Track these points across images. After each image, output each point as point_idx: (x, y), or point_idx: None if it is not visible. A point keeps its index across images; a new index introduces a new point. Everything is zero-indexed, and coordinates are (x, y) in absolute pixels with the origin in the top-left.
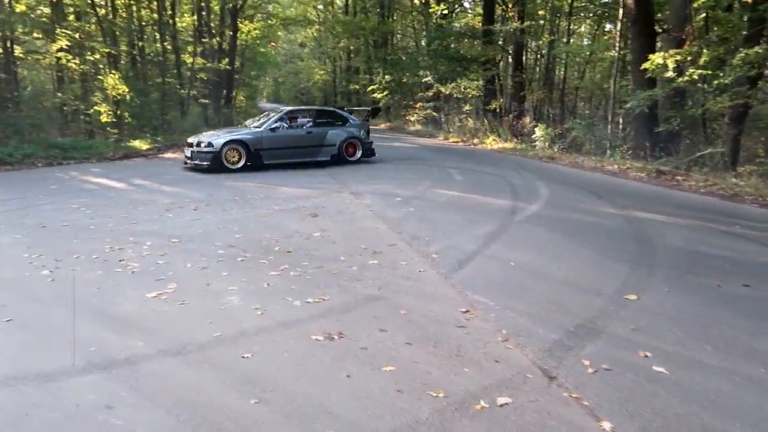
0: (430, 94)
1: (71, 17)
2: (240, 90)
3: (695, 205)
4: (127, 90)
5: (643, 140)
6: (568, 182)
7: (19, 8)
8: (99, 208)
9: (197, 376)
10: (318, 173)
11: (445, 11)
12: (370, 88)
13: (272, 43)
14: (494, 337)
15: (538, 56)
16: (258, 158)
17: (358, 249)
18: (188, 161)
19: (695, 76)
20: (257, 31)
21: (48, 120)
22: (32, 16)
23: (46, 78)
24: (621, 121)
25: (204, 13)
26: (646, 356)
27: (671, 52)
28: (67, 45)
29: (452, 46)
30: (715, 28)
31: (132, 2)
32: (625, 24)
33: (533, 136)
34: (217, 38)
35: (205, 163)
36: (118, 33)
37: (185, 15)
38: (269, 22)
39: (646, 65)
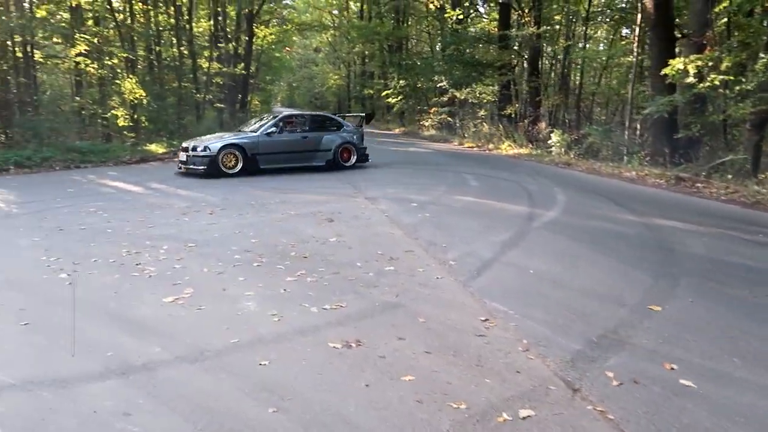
0: (445, 99)
1: (90, 22)
2: (255, 94)
3: (717, 212)
4: (144, 94)
5: (661, 146)
6: (585, 188)
7: (40, 13)
8: (116, 212)
9: (215, 382)
10: (331, 177)
11: (461, 16)
12: (384, 93)
13: (287, 48)
14: (515, 347)
15: (554, 61)
16: (254, 163)
17: (375, 255)
18: (183, 166)
19: (716, 82)
20: (273, 36)
21: (66, 124)
22: (52, 21)
23: (65, 82)
24: (639, 126)
25: (220, 18)
26: (673, 369)
27: (692, 57)
28: (85, 50)
29: (467, 51)
30: (736, 33)
31: (150, 7)
32: (644, 29)
33: (549, 142)
34: (233, 43)
35: (202, 167)
36: (135, 38)
37: (202, 20)
38: (285, 27)
39: (666, 71)
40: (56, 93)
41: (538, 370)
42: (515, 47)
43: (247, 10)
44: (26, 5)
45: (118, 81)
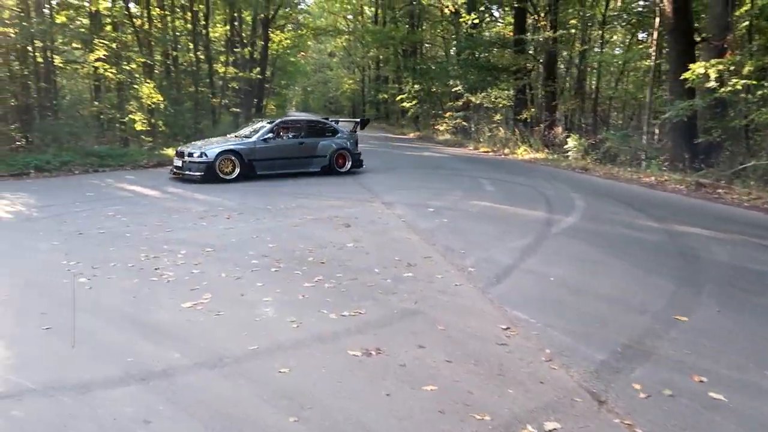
0: (460, 103)
1: (108, 28)
2: (270, 99)
3: (739, 219)
4: (161, 99)
5: (681, 151)
6: (603, 194)
7: (59, 19)
8: (134, 216)
9: (234, 389)
10: (346, 182)
11: (476, 21)
12: (398, 98)
13: (302, 53)
14: (537, 357)
15: (570, 65)
16: (251, 169)
17: (392, 261)
18: (178, 171)
19: (738, 86)
20: (288, 41)
21: (85, 128)
22: (71, 26)
23: (84, 87)
24: (657, 131)
25: (236, 23)
26: (702, 381)
27: (713, 61)
28: (104, 55)
29: (482, 55)
30: (758, 37)
31: (167, 13)
32: (662, 33)
33: (565, 147)
34: (249, 48)
35: (198, 173)
36: (153, 43)
37: (218, 25)
38: (300, 32)
39: (686, 75)
40: (75, 98)
41: (562, 381)
42: (530, 51)
43: (262, 15)
44: (46, 11)
45: (135, 86)
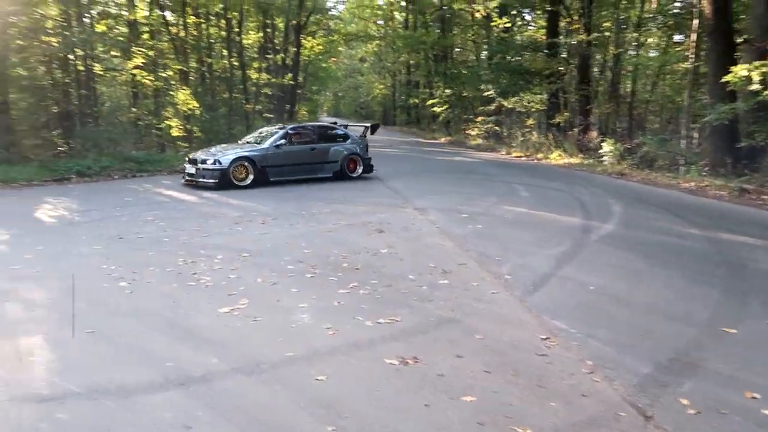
0: (492, 107)
1: (146, 36)
2: (302, 104)
3: None
4: (196, 105)
5: (722, 156)
6: (641, 200)
7: (99, 28)
8: (171, 221)
9: (271, 395)
10: (377, 187)
11: (507, 24)
12: (429, 102)
13: (333, 59)
14: (579, 368)
15: (604, 68)
16: (264, 175)
17: (427, 267)
18: (190, 179)
19: None
20: (319, 47)
21: (123, 134)
22: (111, 35)
23: (122, 94)
24: (696, 135)
25: (269, 30)
26: (754, 398)
27: (756, 63)
28: (142, 62)
29: (514, 59)
30: None
31: (202, 21)
32: (700, 35)
33: (600, 151)
34: (281, 54)
35: (213, 180)
36: (188, 50)
37: (251, 32)
38: (331, 38)
39: (728, 78)
40: (114, 104)
41: (606, 394)
42: (563, 55)
43: (294, 22)
44: (87, 21)
45: (171, 92)
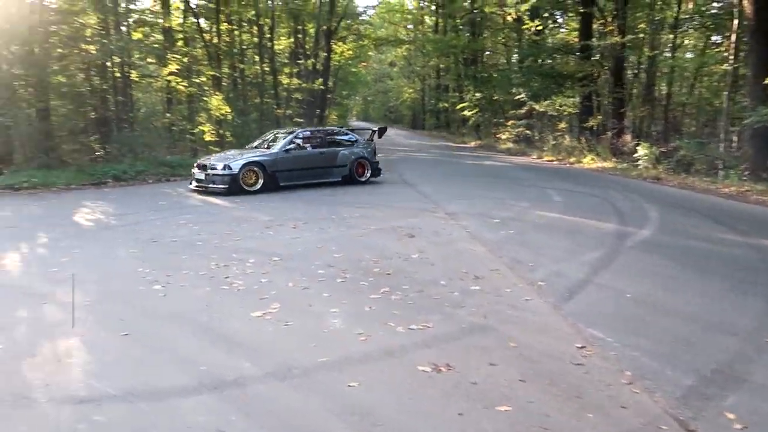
0: (523, 111)
1: (180, 43)
2: (332, 109)
3: None
4: (228, 110)
5: (763, 160)
6: (679, 205)
7: (136, 36)
8: (204, 225)
9: (303, 401)
10: (407, 191)
11: (539, 27)
12: (459, 106)
13: (363, 63)
14: (617, 379)
15: (638, 71)
16: (274, 180)
17: (459, 273)
18: (200, 184)
19: None
20: (349, 52)
21: (158, 139)
22: (146, 42)
23: (157, 100)
24: (736, 139)
25: (300, 35)
26: None
27: None
28: (176, 69)
29: (546, 62)
30: None
31: (235, 27)
32: (740, 35)
33: (635, 155)
34: (312, 59)
35: (222, 186)
36: (221, 56)
37: (282, 38)
38: (361, 42)
39: None
40: (149, 110)
41: (646, 406)
42: (597, 57)
43: (325, 28)
44: (124, 29)
45: (205, 98)
